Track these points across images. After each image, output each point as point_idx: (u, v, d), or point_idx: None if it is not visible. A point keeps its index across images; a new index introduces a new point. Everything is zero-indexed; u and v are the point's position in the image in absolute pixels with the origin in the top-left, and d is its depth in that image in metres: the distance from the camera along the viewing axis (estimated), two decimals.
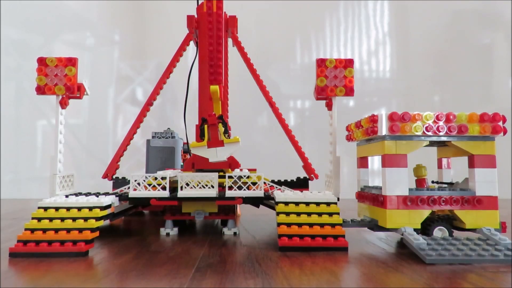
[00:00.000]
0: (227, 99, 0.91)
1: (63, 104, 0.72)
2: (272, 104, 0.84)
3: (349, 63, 0.71)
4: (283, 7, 1.72)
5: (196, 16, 0.80)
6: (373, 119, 0.61)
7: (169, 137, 0.97)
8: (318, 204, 0.64)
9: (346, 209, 0.84)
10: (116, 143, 1.43)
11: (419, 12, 1.74)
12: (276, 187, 0.80)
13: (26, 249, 0.56)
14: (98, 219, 0.60)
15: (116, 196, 0.69)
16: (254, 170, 0.81)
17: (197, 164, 0.77)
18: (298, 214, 0.63)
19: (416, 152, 0.61)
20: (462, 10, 1.74)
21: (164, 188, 0.68)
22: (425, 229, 0.61)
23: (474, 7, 1.74)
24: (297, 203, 0.64)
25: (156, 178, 0.68)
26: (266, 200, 0.73)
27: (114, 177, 0.84)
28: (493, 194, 0.61)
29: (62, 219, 0.59)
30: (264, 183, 0.80)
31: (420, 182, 0.67)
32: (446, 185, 0.70)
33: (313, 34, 1.76)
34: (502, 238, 0.56)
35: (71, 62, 0.71)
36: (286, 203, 0.64)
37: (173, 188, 0.72)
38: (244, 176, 0.69)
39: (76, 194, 0.71)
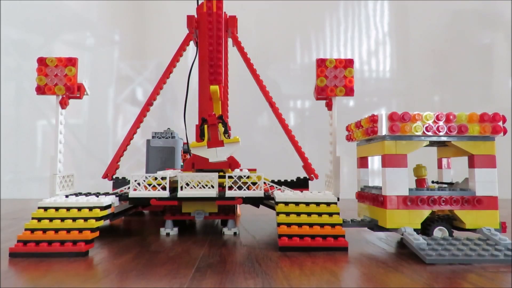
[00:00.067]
0: (227, 99, 0.91)
1: (63, 104, 0.72)
2: (272, 104, 0.84)
3: (349, 63, 0.71)
4: (283, 7, 1.72)
5: (196, 16, 0.80)
6: (373, 119, 0.61)
7: (169, 137, 0.97)
8: (318, 204, 0.64)
9: (346, 209, 0.84)
10: (116, 143, 1.43)
11: (419, 12, 1.74)
12: (276, 187, 0.80)
13: (26, 249, 0.56)
14: (98, 219, 0.60)
15: (116, 196, 0.69)
16: (254, 170, 0.81)
17: (197, 164, 0.77)
18: (298, 214, 0.63)
19: (416, 152, 0.61)
20: (462, 10, 1.74)
21: (164, 188, 0.68)
22: (425, 229, 0.61)
23: (474, 7, 1.74)
24: (297, 203, 0.64)
25: (156, 178, 0.68)
26: (266, 200, 0.73)
27: (114, 177, 0.84)
28: (493, 194, 0.61)
29: (62, 219, 0.59)
30: (264, 183, 0.80)
31: (420, 182, 0.67)
32: (446, 185, 0.70)
33: (313, 34, 1.76)
34: (502, 238, 0.56)
35: (71, 62, 0.71)
36: (286, 203, 0.64)
37: (173, 188, 0.72)
38: (244, 176, 0.69)
39: (76, 194, 0.71)
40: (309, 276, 0.46)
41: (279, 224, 0.62)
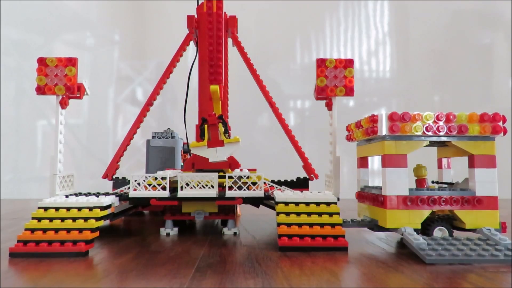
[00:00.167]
0: (227, 99, 0.91)
1: (63, 104, 0.72)
2: (272, 104, 0.84)
3: (349, 63, 0.71)
4: (283, 7, 1.72)
5: (196, 16, 0.80)
6: (373, 119, 0.61)
7: (169, 137, 0.97)
8: (318, 204, 0.64)
9: (346, 209, 0.84)
10: (116, 143, 1.43)
11: (419, 12, 1.74)
12: (276, 187, 0.80)
13: (26, 249, 0.56)
14: (98, 219, 0.60)
15: (116, 196, 0.69)
16: (254, 170, 0.81)
17: (197, 164, 0.77)
18: (298, 214, 0.63)
19: (416, 152, 0.61)
20: (462, 10, 1.74)
21: (164, 188, 0.68)
22: (425, 229, 0.61)
23: (474, 7, 1.74)
24: (297, 203, 0.64)
25: (156, 178, 0.68)
26: (266, 200, 0.73)
27: (114, 177, 0.84)
28: (493, 194, 0.61)
29: (62, 219, 0.59)
30: (264, 183, 0.80)
31: (420, 182, 0.67)
32: (446, 185, 0.70)
33: (313, 34, 1.76)
34: (502, 238, 0.56)
35: (71, 62, 0.71)
36: (286, 203, 0.64)
37: (173, 188, 0.72)
38: (244, 176, 0.69)
39: (76, 194, 0.71)
40: (309, 276, 0.46)
41: (279, 224, 0.62)
